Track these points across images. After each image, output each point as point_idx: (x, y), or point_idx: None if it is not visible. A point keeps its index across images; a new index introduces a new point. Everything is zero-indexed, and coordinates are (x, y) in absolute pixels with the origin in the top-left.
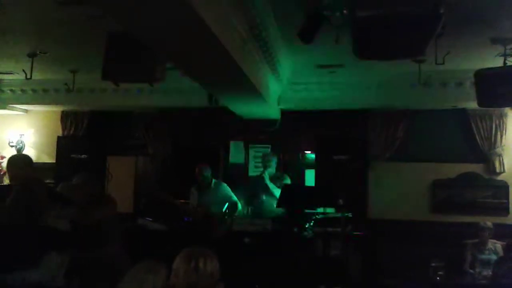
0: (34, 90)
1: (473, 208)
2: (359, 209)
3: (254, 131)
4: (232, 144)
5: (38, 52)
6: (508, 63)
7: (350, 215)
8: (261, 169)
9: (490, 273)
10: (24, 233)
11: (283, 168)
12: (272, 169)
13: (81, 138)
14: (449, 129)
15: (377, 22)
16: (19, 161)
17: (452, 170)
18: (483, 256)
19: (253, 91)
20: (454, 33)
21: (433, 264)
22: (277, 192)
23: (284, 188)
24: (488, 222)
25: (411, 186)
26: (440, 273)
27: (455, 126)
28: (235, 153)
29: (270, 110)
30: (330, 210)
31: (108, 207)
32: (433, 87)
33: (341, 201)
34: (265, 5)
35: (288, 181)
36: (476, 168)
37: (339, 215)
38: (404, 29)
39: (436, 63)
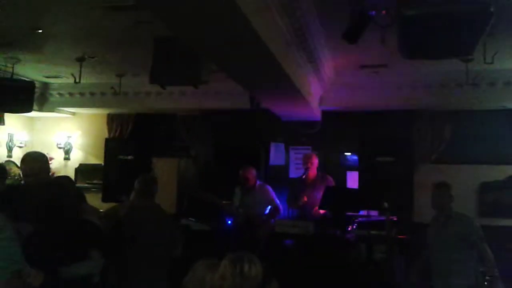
0: (81, 94)
1: None
2: (404, 212)
3: (295, 132)
4: (272, 145)
5: (86, 57)
6: None
7: (394, 218)
8: (302, 171)
9: None
10: (74, 226)
11: (324, 169)
12: (313, 171)
13: (127, 140)
14: (497, 130)
15: (424, 21)
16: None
17: (500, 172)
18: None
19: (295, 93)
20: (503, 32)
21: (481, 269)
22: (318, 194)
23: (327, 190)
24: None
25: (457, 188)
26: (487, 278)
27: (503, 127)
28: (276, 155)
29: (312, 111)
30: (373, 212)
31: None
32: (480, 87)
33: (386, 204)
34: (310, 6)
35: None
36: None
37: (382, 218)
38: (452, 28)
39: (484, 62)
